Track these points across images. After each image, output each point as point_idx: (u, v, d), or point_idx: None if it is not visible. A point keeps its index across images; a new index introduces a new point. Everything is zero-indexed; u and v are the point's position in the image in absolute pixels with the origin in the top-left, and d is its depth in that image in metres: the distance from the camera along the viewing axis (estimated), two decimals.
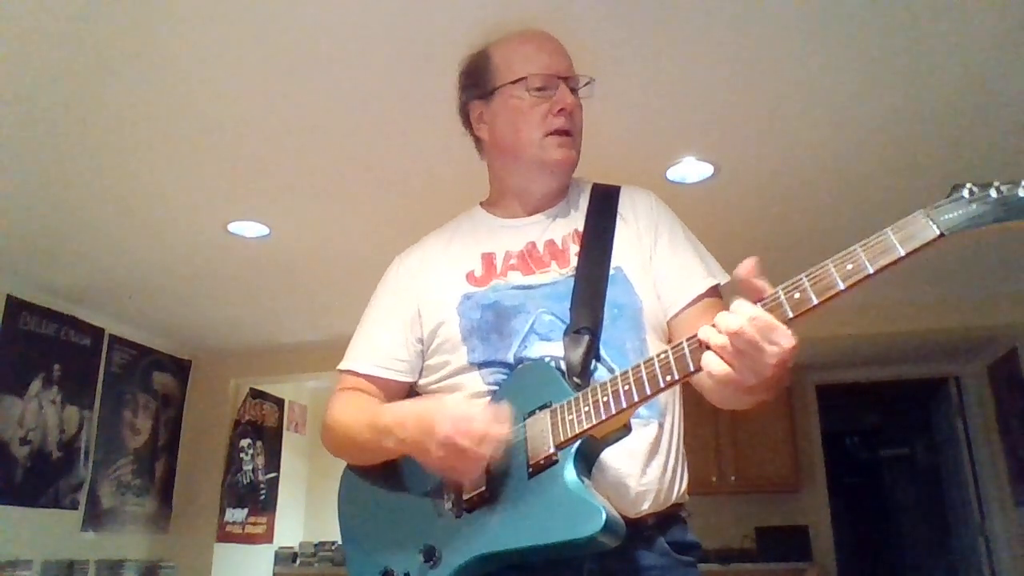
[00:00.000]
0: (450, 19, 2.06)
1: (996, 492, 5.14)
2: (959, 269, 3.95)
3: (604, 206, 1.27)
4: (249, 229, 3.40)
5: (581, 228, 1.25)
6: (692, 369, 0.93)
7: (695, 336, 0.93)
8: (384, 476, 1.19)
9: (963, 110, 2.55)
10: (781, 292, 0.89)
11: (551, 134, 1.24)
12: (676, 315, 1.20)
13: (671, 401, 1.18)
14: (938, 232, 0.82)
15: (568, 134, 1.24)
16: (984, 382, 5.30)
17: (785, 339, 0.87)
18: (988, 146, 2.74)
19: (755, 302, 0.90)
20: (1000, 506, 5.10)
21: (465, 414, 1.02)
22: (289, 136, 2.65)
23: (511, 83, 1.26)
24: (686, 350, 0.94)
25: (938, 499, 6.32)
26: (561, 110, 1.23)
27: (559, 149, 1.24)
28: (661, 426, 1.14)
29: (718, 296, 1.21)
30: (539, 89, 1.24)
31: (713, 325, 0.91)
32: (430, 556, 1.06)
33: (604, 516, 0.93)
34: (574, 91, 1.26)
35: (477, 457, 1.00)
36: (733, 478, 5.20)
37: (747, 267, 0.90)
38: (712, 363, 0.89)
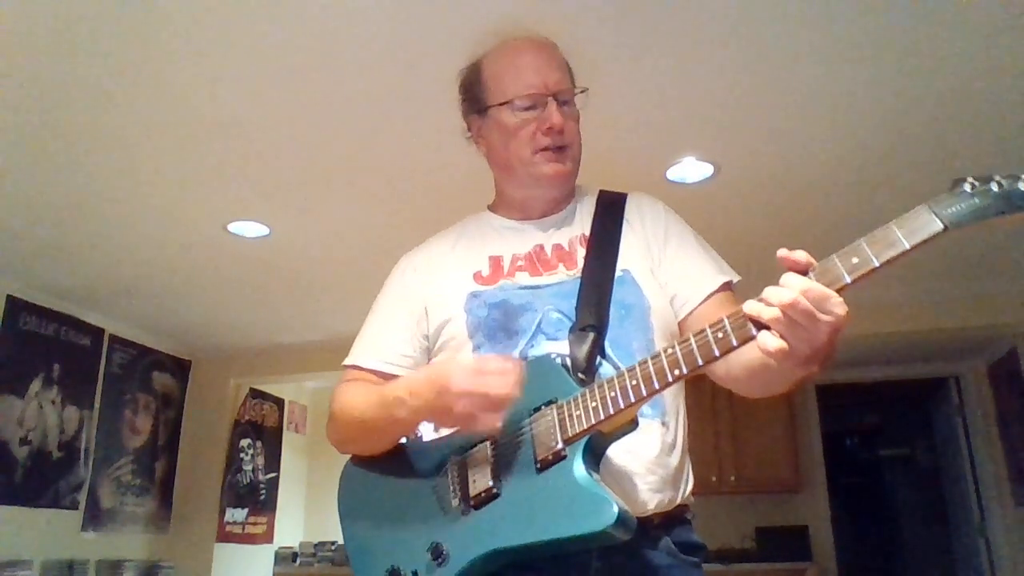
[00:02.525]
0: (449, 20, 2.06)
1: (996, 492, 5.14)
2: (959, 269, 3.95)
3: (611, 211, 1.28)
4: (249, 229, 3.40)
5: (588, 232, 1.25)
6: (701, 363, 0.92)
7: (703, 330, 0.92)
8: (387, 471, 1.19)
9: (964, 108, 2.55)
10: None
11: (541, 151, 1.23)
12: (690, 313, 1.20)
13: (676, 400, 1.18)
14: (942, 226, 0.82)
15: (559, 149, 1.24)
16: (984, 382, 5.31)
17: (838, 307, 0.86)
18: (989, 143, 2.74)
19: (805, 266, 0.88)
20: (1000, 506, 5.10)
21: (475, 364, 1.03)
22: (289, 136, 2.65)
23: (499, 105, 1.26)
24: (693, 344, 0.93)
25: (938, 499, 6.32)
26: (549, 128, 1.22)
27: (549, 164, 1.24)
28: (666, 425, 1.14)
29: (732, 293, 1.21)
30: (527, 108, 1.24)
31: (760, 299, 0.89)
32: (438, 554, 1.05)
33: (616, 509, 0.93)
34: (567, 103, 1.26)
35: (501, 399, 1.00)
36: (733, 478, 5.20)
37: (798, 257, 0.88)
38: (768, 340, 0.87)
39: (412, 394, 1.09)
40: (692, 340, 0.94)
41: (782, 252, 0.89)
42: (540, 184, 1.26)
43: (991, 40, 2.19)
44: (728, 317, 0.92)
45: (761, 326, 0.88)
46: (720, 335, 0.92)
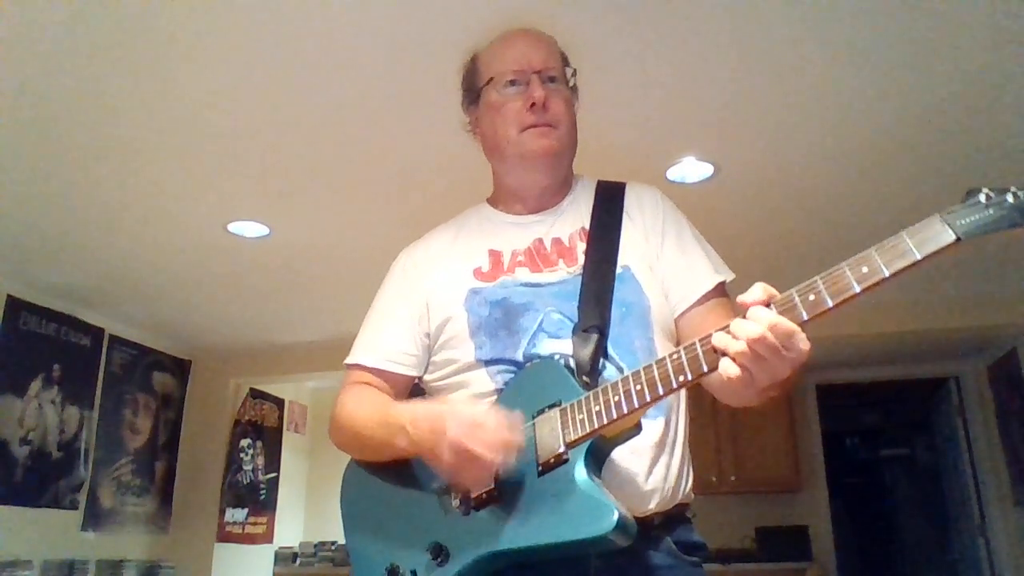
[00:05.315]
0: (448, 19, 2.06)
1: (996, 492, 5.14)
2: (959, 269, 3.95)
3: (610, 204, 1.27)
4: (249, 229, 3.40)
5: (587, 225, 1.24)
6: (706, 369, 0.93)
7: (708, 336, 0.93)
8: (390, 472, 1.19)
9: (964, 108, 2.55)
10: (795, 294, 0.89)
11: (527, 129, 1.23)
12: (684, 313, 1.20)
13: (675, 400, 1.17)
14: (955, 237, 0.82)
15: (546, 126, 1.24)
16: (984, 382, 5.30)
17: (802, 343, 0.88)
18: (990, 145, 2.74)
19: (767, 302, 0.90)
20: (1000, 506, 5.10)
21: (477, 419, 1.01)
22: (289, 136, 2.65)
23: (485, 85, 1.28)
24: (699, 350, 0.93)
25: (938, 499, 6.32)
26: (532, 105, 1.22)
27: (536, 140, 1.23)
28: (667, 424, 1.13)
29: (724, 293, 1.22)
30: (511, 84, 1.25)
31: (728, 331, 0.90)
32: (438, 554, 1.05)
33: (617, 514, 0.93)
34: (553, 80, 1.26)
35: (488, 464, 0.99)
36: (733, 478, 5.19)
37: (756, 296, 0.90)
38: (730, 369, 0.89)
39: (413, 423, 1.07)
40: (698, 345, 0.94)
41: (740, 298, 0.92)
42: (527, 164, 1.25)
43: (995, 39, 2.19)
44: (699, 340, 0.94)
45: (727, 354, 0.90)
46: (690, 356, 0.95)
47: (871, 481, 7.33)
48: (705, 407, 5.03)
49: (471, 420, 1.01)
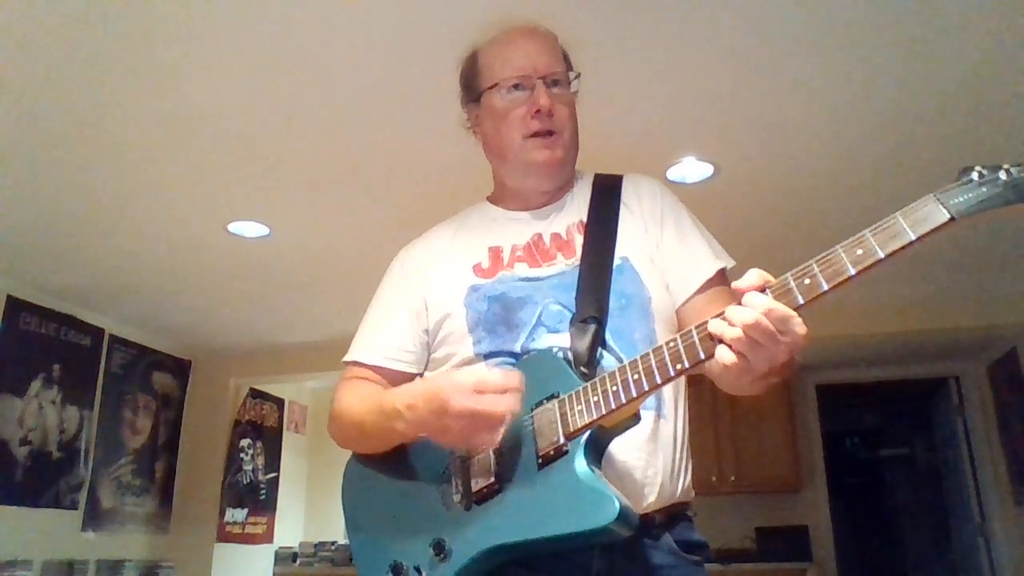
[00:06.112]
0: (448, 18, 2.06)
1: (996, 492, 5.14)
2: (959, 268, 3.95)
3: (607, 195, 1.27)
4: (249, 229, 3.40)
5: (585, 219, 1.24)
6: (703, 357, 0.92)
7: (704, 323, 0.92)
8: (391, 468, 1.18)
9: (963, 108, 2.55)
10: (790, 278, 0.88)
11: (531, 136, 1.23)
12: (685, 302, 1.19)
13: (676, 393, 1.17)
14: (948, 216, 0.81)
15: (549, 134, 1.23)
16: (984, 382, 5.30)
17: (798, 327, 0.86)
18: (988, 144, 2.74)
19: (762, 287, 0.89)
20: (1000, 506, 5.10)
21: (476, 379, 1.00)
22: (289, 136, 2.65)
23: (488, 89, 1.27)
24: (695, 337, 0.93)
25: (938, 499, 6.32)
26: (537, 111, 1.22)
27: (540, 151, 1.23)
28: (666, 418, 1.13)
29: (726, 281, 1.21)
30: (515, 89, 1.24)
31: (723, 317, 0.89)
32: (440, 550, 1.05)
33: (618, 505, 0.93)
34: (557, 85, 1.25)
35: (501, 415, 0.98)
36: (733, 478, 5.19)
37: (751, 282, 0.89)
38: (726, 355, 0.88)
39: (410, 408, 1.06)
40: (694, 332, 0.93)
41: (735, 284, 0.90)
42: (531, 172, 1.26)
43: (991, 38, 2.19)
44: (695, 327, 0.93)
45: (722, 341, 0.89)
46: (687, 343, 0.94)
47: (871, 481, 7.33)
48: (705, 407, 5.03)
49: (470, 382, 1.00)
